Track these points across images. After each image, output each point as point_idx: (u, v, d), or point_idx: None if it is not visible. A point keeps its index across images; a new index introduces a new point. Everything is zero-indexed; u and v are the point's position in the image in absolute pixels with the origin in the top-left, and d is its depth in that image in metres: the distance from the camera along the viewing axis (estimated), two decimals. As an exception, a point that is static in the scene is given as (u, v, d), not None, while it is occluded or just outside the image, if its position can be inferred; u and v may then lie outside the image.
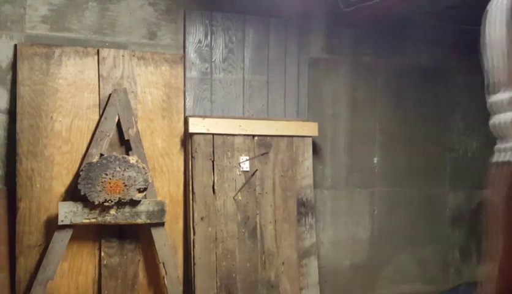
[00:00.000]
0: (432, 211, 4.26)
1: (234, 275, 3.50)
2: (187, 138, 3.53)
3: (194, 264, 3.43)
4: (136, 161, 3.28)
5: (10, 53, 3.29)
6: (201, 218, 3.48)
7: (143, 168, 3.28)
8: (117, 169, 3.22)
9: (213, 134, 3.54)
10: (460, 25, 4.15)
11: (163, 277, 3.35)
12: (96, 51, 3.41)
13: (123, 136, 3.37)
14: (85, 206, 3.17)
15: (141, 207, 3.27)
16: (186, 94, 3.62)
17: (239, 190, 3.56)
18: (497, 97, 1.55)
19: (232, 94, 3.75)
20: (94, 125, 3.36)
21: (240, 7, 3.74)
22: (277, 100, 3.82)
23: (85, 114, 3.37)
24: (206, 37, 3.69)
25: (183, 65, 3.61)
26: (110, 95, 3.38)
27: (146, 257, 3.43)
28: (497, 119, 1.57)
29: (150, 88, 3.52)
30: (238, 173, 3.58)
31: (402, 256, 4.18)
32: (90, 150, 3.30)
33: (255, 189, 3.61)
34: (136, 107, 3.46)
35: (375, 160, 4.12)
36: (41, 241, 3.24)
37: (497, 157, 1.57)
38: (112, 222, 3.22)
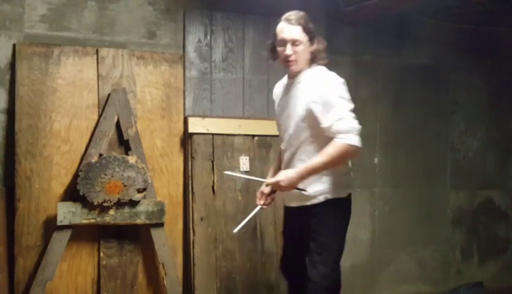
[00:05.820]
0: (432, 211, 4.25)
1: (234, 276, 3.49)
2: (187, 138, 3.52)
3: (194, 264, 3.42)
4: (136, 161, 3.27)
5: (8, 53, 3.27)
6: (201, 219, 3.46)
7: (142, 168, 3.27)
8: (117, 169, 3.20)
9: (213, 134, 3.53)
10: (460, 25, 4.13)
11: (163, 278, 3.34)
12: (95, 50, 3.40)
13: (122, 136, 3.36)
14: (84, 206, 3.15)
15: (140, 208, 3.26)
16: (186, 93, 3.61)
17: (239, 190, 3.54)
18: None
19: (232, 94, 3.73)
20: (93, 125, 3.35)
21: (240, 7, 3.73)
22: (277, 100, 3.80)
23: (84, 114, 3.35)
24: (205, 36, 3.68)
25: (182, 65, 3.60)
26: (109, 94, 3.36)
27: (146, 258, 3.42)
28: None
29: (150, 88, 3.50)
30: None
31: (403, 256, 4.16)
32: (89, 150, 3.29)
33: (255, 189, 3.59)
34: (136, 107, 3.44)
35: (376, 160, 4.11)
36: (40, 241, 3.22)
37: None
38: (112, 222, 3.21)
